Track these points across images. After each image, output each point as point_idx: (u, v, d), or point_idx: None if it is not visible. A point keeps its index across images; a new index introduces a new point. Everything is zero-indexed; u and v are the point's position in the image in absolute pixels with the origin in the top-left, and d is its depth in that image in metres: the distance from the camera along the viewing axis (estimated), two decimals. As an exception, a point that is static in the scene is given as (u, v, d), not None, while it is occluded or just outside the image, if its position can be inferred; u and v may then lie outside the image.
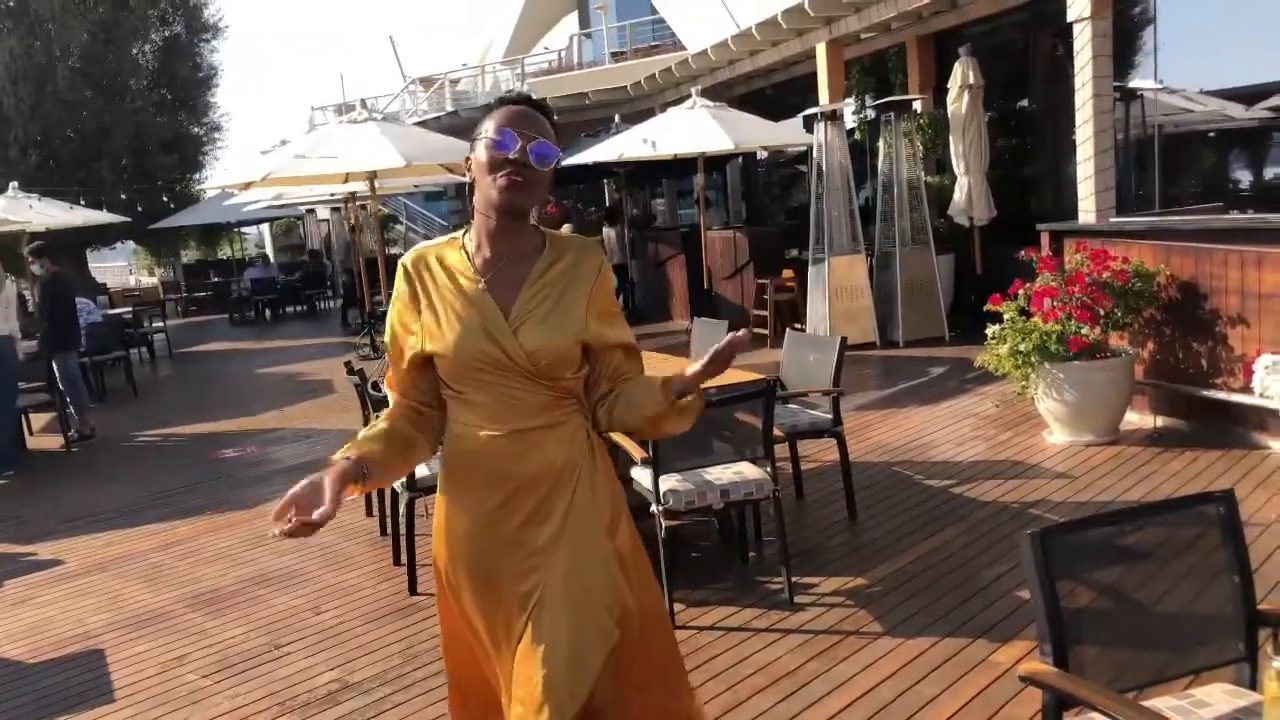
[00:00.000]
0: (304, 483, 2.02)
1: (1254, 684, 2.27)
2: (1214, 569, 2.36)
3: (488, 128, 2.13)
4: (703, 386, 2.17)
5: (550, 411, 2.18)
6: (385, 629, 4.39)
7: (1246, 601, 2.33)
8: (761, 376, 4.64)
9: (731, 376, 4.95)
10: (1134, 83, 10.37)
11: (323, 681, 3.94)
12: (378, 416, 2.35)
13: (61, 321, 9.59)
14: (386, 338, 2.29)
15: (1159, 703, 2.27)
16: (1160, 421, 6.46)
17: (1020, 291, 6.41)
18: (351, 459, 2.13)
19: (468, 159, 2.19)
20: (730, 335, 2.06)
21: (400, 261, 2.26)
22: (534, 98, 2.24)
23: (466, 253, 2.21)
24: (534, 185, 2.12)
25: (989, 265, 10.22)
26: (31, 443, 9.28)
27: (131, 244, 29.10)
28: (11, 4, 21.12)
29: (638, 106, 17.29)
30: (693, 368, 2.14)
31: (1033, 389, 6.26)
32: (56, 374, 9.40)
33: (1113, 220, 6.99)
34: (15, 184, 14.26)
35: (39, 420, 9.66)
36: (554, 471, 2.18)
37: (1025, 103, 11.69)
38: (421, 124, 20.03)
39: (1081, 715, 2.21)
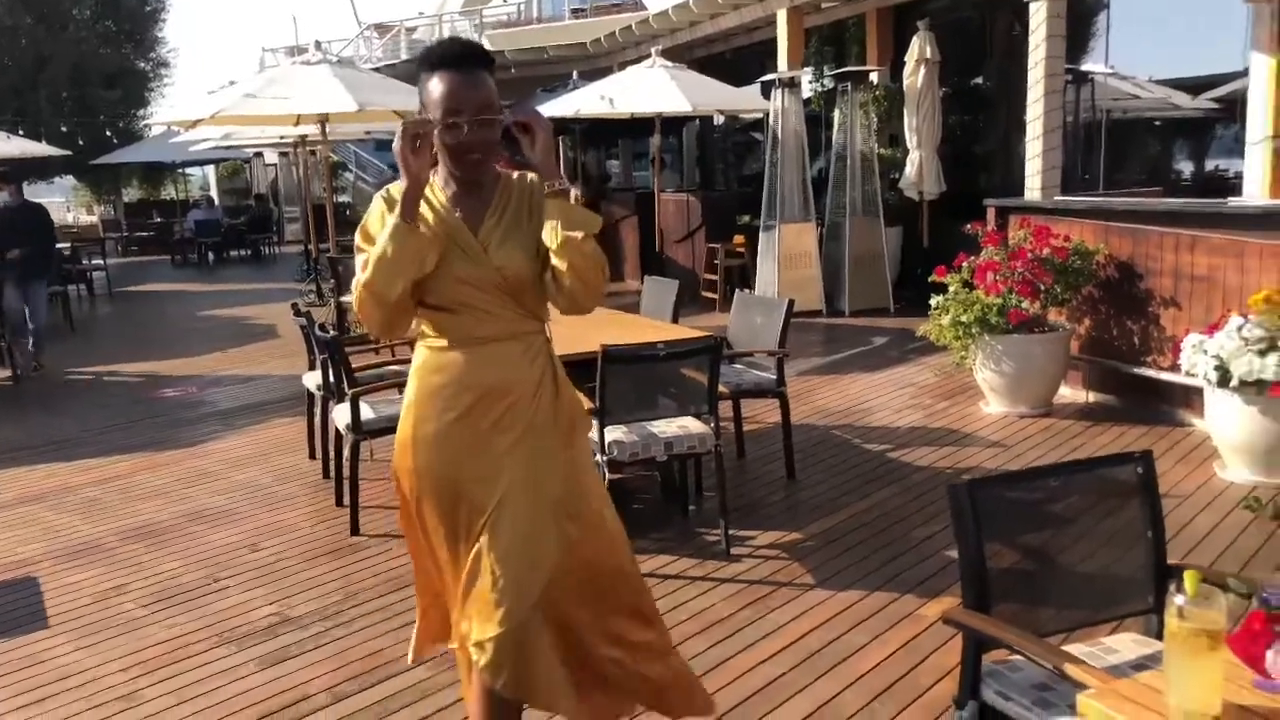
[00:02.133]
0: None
1: (1161, 634, 2.39)
2: (1130, 526, 2.48)
3: (433, 97, 2.23)
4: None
5: (515, 326, 2.37)
6: (324, 567, 4.41)
7: (1158, 557, 2.46)
8: (709, 334, 4.70)
9: (679, 334, 5.03)
10: (1086, 66, 10.56)
11: (261, 615, 3.96)
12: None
13: (39, 251, 9.32)
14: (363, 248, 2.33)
15: (1071, 649, 2.38)
16: (1092, 396, 6.66)
17: (964, 264, 6.54)
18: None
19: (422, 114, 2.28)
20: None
21: (381, 192, 2.39)
22: (465, 43, 2.34)
23: (434, 189, 2.38)
24: (489, 148, 2.29)
25: (936, 239, 10.38)
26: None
27: (70, 180, 28.30)
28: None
29: (596, 64, 17.16)
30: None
31: (971, 360, 6.41)
32: (26, 306, 9.13)
33: (1057, 199, 7.14)
34: (-51, 109, 13.79)
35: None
36: (518, 383, 2.35)
37: (980, 80, 11.83)
38: (376, 71, 19.64)
39: (1006, 662, 2.32)
